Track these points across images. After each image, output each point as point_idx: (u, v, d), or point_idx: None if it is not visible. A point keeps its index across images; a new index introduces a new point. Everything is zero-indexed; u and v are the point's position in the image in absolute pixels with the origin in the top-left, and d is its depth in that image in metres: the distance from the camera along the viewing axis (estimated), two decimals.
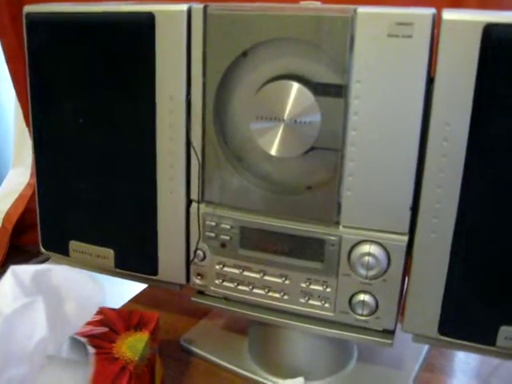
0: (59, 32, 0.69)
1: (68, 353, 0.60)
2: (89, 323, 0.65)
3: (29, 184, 1.33)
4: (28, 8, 0.71)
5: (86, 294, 0.57)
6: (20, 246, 1.26)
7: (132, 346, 0.63)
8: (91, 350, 0.62)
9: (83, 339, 0.63)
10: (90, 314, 0.58)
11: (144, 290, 0.98)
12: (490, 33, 0.52)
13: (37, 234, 0.81)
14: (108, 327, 0.66)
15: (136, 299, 0.96)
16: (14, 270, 0.54)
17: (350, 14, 0.56)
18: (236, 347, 0.80)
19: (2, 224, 1.28)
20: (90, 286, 0.57)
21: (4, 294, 0.52)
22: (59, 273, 0.56)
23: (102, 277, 0.80)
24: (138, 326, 0.67)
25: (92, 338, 0.64)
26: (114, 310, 0.70)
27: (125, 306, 0.93)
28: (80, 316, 0.57)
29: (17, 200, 1.31)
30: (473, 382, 0.76)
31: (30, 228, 1.26)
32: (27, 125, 1.23)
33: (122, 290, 0.98)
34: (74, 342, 0.62)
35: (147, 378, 0.65)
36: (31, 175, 1.33)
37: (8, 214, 1.29)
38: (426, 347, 0.80)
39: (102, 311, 0.68)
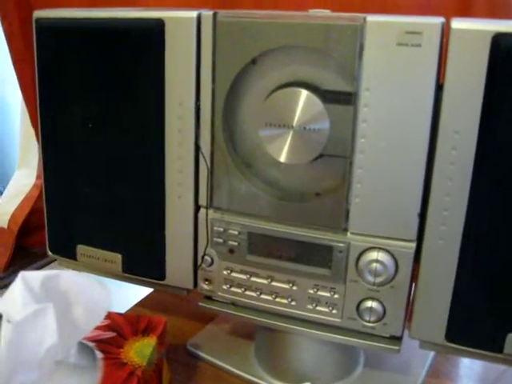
0: (69, 37, 0.69)
1: (76, 358, 0.60)
2: (97, 328, 0.65)
3: (35, 185, 1.34)
4: (38, 13, 0.71)
5: (93, 298, 0.58)
6: (26, 248, 1.26)
7: (140, 351, 0.63)
8: (99, 354, 0.62)
9: (91, 344, 0.63)
10: (99, 319, 0.59)
11: (150, 293, 0.98)
12: (499, 42, 0.52)
13: (42, 236, 0.81)
14: (116, 332, 0.66)
15: (143, 303, 0.96)
16: (23, 275, 0.54)
17: (359, 22, 0.56)
18: (243, 352, 0.80)
19: (8, 225, 1.29)
20: (98, 290, 0.58)
21: (14, 300, 0.52)
22: (67, 278, 0.57)
23: (108, 280, 0.80)
24: (146, 331, 0.67)
25: (100, 343, 0.64)
26: (121, 314, 0.70)
27: (131, 309, 0.93)
28: (88, 321, 0.57)
29: (23, 201, 1.31)
30: None
31: (35, 229, 1.27)
32: (33, 127, 1.23)
33: (129, 294, 0.99)
34: (82, 346, 0.62)
35: (155, 383, 0.65)
36: (37, 177, 1.34)
37: (14, 216, 1.29)
38: (433, 353, 0.80)
39: (109, 316, 0.68)
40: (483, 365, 0.80)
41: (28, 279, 0.54)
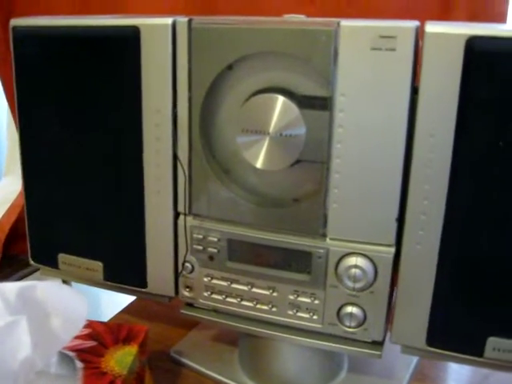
0: (45, 45, 0.69)
1: (56, 368, 0.60)
2: (77, 337, 0.65)
3: (21, 193, 1.32)
4: (14, 21, 0.70)
5: (71, 308, 0.57)
6: (13, 255, 1.25)
7: (120, 359, 0.63)
8: (79, 364, 0.62)
9: (71, 354, 0.63)
10: (77, 329, 0.58)
11: (134, 301, 0.97)
12: (473, 45, 0.52)
13: None
14: (96, 341, 0.66)
15: (126, 310, 0.95)
16: None
17: (333, 27, 0.56)
18: (226, 358, 0.80)
19: None
20: (75, 300, 0.58)
21: None
22: (44, 288, 0.56)
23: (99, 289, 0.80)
24: (127, 340, 0.66)
25: (80, 353, 0.63)
26: (102, 323, 0.69)
27: (115, 317, 0.93)
28: (67, 331, 0.57)
29: (9, 209, 1.30)
30: None
31: (23, 237, 1.26)
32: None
33: (117, 300, 0.98)
34: (63, 356, 0.61)
35: None
36: None
37: (0, 223, 1.28)
38: (417, 357, 0.80)
39: (90, 325, 0.68)
40: (469, 368, 0.80)
41: (3, 290, 0.54)
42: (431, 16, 0.78)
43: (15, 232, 1.28)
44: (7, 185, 1.37)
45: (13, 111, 1.20)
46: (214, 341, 0.84)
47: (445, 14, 0.82)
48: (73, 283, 0.91)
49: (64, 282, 0.94)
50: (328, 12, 0.85)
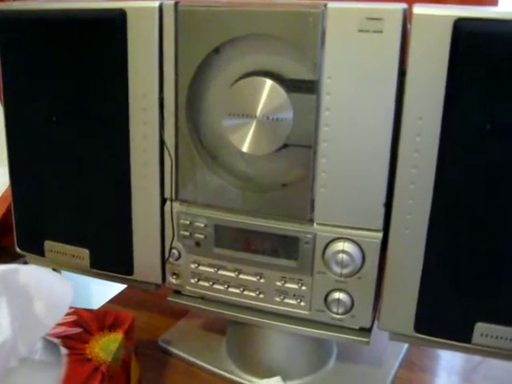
0: (30, 30, 0.68)
1: (41, 354, 0.59)
2: (63, 324, 0.65)
3: None
4: None
5: (55, 293, 0.57)
6: (2, 247, 1.25)
7: (105, 346, 0.62)
8: (64, 350, 0.61)
9: (56, 340, 0.62)
10: (61, 314, 0.58)
11: (123, 290, 0.97)
12: (461, 27, 0.52)
13: None
14: (82, 328, 0.65)
15: (114, 300, 0.95)
16: None
17: (320, 9, 0.55)
18: (214, 347, 0.79)
19: None
20: (59, 285, 0.57)
21: None
22: (27, 273, 0.56)
23: (86, 277, 0.79)
24: (113, 327, 0.66)
25: (65, 339, 0.63)
26: (88, 310, 0.69)
27: (103, 306, 0.93)
28: (50, 316, 0.57)
29: None
30: (454, 379, 0.76)
31: (12, 230, 1.26)
32: None
33: (109, 290, 0.98)
34: (47, 343, 0.61)
35: (122, 379, 0.64)
36: None
37: None
38: (406, 345, 0.79)
39: (76, 312, 0.68)
40: (459, 356, 0.80)
41: None
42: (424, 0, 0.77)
43: (5, 224, 1.26)
44: None
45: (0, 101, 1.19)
46: (202, 330, 0.84)
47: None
48: (62, 273, 0.90)
49: (54, 270, 0.94)
50: None
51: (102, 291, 1.11)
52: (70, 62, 0.67)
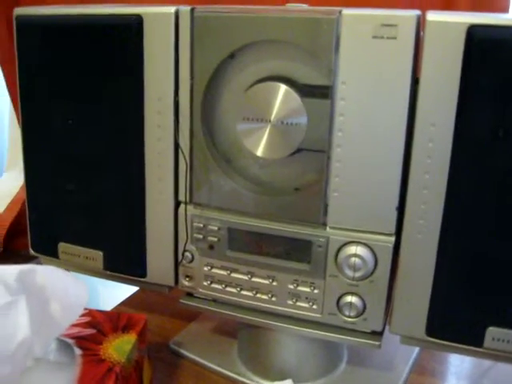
0: (49, 34, 0.69)
1: (55, 355, 0.60)
2: (77, 325, 0.65)
3: (23, 187, 1.33)
4: (18, 10, 0.71)
5: (70, 294, 0.57)
6: (14, 250, 1.25)
7: (119, 347, 0.63)
8: (78, 351, 0.62)
9: (70, 341, 0.63)
10: (76, 315, 0.58)
11: (135, 292, 0.97)
12: (474, 34, 0.52)
13: None
14: (96, 329, 0.66)
15: (127, 302, 0.95)
16: None
17: (335, 15, 0.56)
18: (225, 350, 0.80)
19: None
20: (75, 286, 0.57)
21: None
22: (44, 273, 0.56)
23: (97, 279, 0.80)
24: (126, 328, 0.66)
25: (79, 340, 0.63)
26: (102, 311, 0.69)
27: (116, 308, 0.93)
28: (66, 316, 0.57)
29: (11, 204, 1.30)
30: None
31: (23, 232, 1.26)
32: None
33: (118, 293, 0.98)
34: (62, 343, 0.62)
35: (135, 380, 0.65)
36: None
37: (1, 218, 1.29)
38: (417, 349, 0.80)
39: (90, 313, 0.68)
40: (469, 361, 0.80)
41: (3, 273, 0.54)
42: (434, 6, 0.78)
43: (17, 227, 1.28)
44: (9, 179, 1.37)
45: (15, 106, 1.20)
46: (214, 333, 0.84)
47: (447, 5, 0.83)
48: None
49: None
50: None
51: (111, 294, 1.12)
52: (86, 65, 0.68)
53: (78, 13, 0.67)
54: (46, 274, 0.57)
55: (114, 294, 1.06)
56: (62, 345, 0.62)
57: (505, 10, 0.80)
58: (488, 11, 0.81)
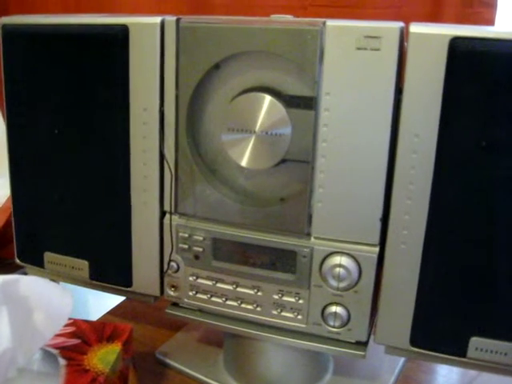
0: (34, 44, 0.69)
1: (39, 365, 0.60)
2: (61, 335, 0.65)
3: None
4: (4, 19, 0.71)
5: (54, 304, 0.57)
6: (3, 259, 1.25)
7: (103, 357, 0.63)
8: (62, 361, 0.61)
9: (54, 351, 0.63)
10: (60, 325, 0.58)
11: (122, 302, 0.97)
12: (456, 46, 0.53)
13: None
14: (80, 339, 0.66)
15: (113, 311, 0.95)
16: None
17: (319, 26, 0.56)
18: (211, 360, 0.79)
19: None
20: (59, 296, 0.57)
21: None
22: (27, 283, 0.56)
23: (86, 289, 0.79)
24: (111, 338, 0.66)
25: (64, 350, 0.63)
26: (87, 321, 0.69)
27: (102, 318, 0.93)
28: (49, 326, 0.57)
29: None
30: None
31: (11, 241, 1.25)
32: None
33: (107, 303, 0.98)
34: (46, 354, 0.61)
35: None
36: None
37: None
38: (402, 360, 0.80)
39: (75, 323, 0.68)
40: (454, 371, 0.80)
41: None
42: (421, 19, 0.78)
43: (4, 236, 1.27)
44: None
45: (2, 113, 1.20)
46: (200, 342, 0.84)
47: (434, 18, 0.83)
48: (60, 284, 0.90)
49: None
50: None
51: (99, 304, 1.11)
52: (71, 75, 0.68)
53: (64, 22, 0.67)
54: (30, 284, 0.57)
55: (102, 303, 1.05)
56: (46, 355, 0.61)
57: (491, 22, 0.80)
58: (474, 24, 0.82)
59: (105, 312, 0.96)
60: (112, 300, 0.95)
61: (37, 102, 0.72)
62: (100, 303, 1.10)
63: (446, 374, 0.80)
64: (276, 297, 0.66)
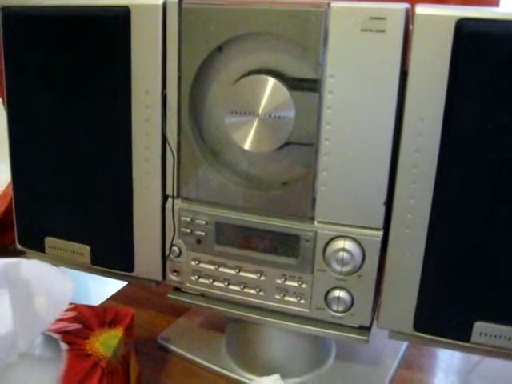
0: (35, 26, 0.68)
1: (41, 350, 0.59)
2: (63, 320, 0.65)
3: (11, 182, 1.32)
4: (3, 1, 0.70)
5: (56, 288, 0.57)
6: (2, 245, 1.24)
7: (105, 342, 0.62)
8: (64, 346, 0.61)
9: (56, 336, 0.62)
10: (61, 309, 0.58)
11: (124, 287, 0.97)
12: (462, 27, 0.52)
13: None
14: (82, 324, 0.65)
15: (115, 297, 0.95)
16: None
17: (323, 8, 0.56)
18: (213, 345, 0.79)
19: None
20: (60, 280, 0.57)
21: None
22: (29, 267, 0.56)
23: (88, 275, 0.79)
24: (113, 323, 0.66)
25: (65, 335, 0.63)
26: (88, 306, 0.69)
27: (104, 303, 0.93)
28: (51, 311, 0.56)
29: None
30: (451, 379, 0.76)
31: (12, 228, 1.25)
32: None
33: (109, 288, 0.98)
34: (47, 338, 0.61)
35: (121, 375, 0.64)
36: None
37: None
38: (405, 345, 0.80)
39: (76, 308, 0.68)
40: (457, 356, 0.80)
41: None
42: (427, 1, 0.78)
43: (4, 222, 1.26)
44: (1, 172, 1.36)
45: (2, 98, 1.19)
46: (202, 328, 0.84)
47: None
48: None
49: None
50: None
51: (101, 290, 1.11)
52: (73, 58, 0.67)
53: (64, 4, 0.67)
54: (31, 268, 0.57)
55: (104, 289, 1.05)
56: (48, 340, 0.61)
57: (495, 3, 0.80)
58: (479, 5, 0.81)
59: (106, 298, 0.95)
60: (114, 286, 0.95)
61: (38, 85, 0.71)
62: (102, 289, 1.10)
63: (448, 358, 0.80)
64: (279, 281, 0.65)
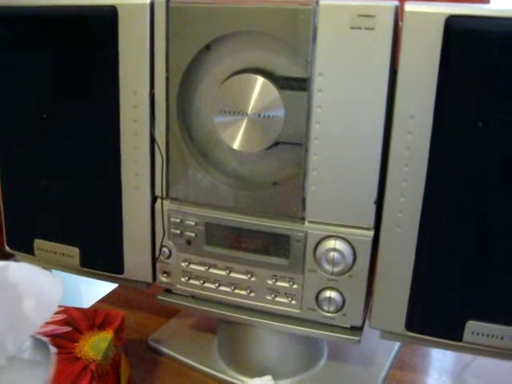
0: (20, 26, 0.68)
1: (30, 353, 0.59)
2: (52, 323, 0.64)
3: None
4: None
5: (44, 291, 0.56)
6: None
7: (95, 345, 0.62)
8: (53, 349, 0.61)
9: (45, 339, 0.62)
10: (50, 312, 0.57)
11: (114, 289, 0.96)
12: (452, 24, 0.52)
13: None
14: (72, 327, 0.65)
15: (105, 299, 0.94)
16: None
17: (312, 5, 0.55)
18: (205, 347, 0.79)
19: None
20: (49, 282, 0.57)
21: None
22: (17, 270, 0.55)
23: (79, 277, 0.79)
24: (102, 325, 0.65)
25: (55, 338, 0.62)
26: (78, 309, 0.68)
27: (94, 305, 0.92)
28: (39, 314, 0.56)
29: None
30: (444, 378, 0.76)
31: (1, 229, 1.24)
32: None
33: (100, 290, 0.97)
34: (37, 341, 0.60)
35: (112, 378, 0.64)
36: None
37: None
38: (398, 344, 0.79)
39: (66, 310, 0.67)
40: (449, 356, 0.80)
41: None
42: None
43: None
44: None
45: None
46: (193, 329, 0.84)
47: None
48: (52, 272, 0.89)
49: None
50: None
51: (92, 292, 1.10)
52: (60, 58, 0.67)
53: (50, 4, 0.66)
54: (19, 271, 0.56)
55: (94, 291, 1.04)
56: (37, 343, 0.60)
57: (486, 0, 0.79)
58: (469, 2, 0.81)
59: (95, 300, 0.95)
60: (104, 287, 0.94)
61: (24, 86, 0.70)
62: (92, 291, 1.10)
63: (441, 358, 0.80)
64: (270, 282, 0.65)
